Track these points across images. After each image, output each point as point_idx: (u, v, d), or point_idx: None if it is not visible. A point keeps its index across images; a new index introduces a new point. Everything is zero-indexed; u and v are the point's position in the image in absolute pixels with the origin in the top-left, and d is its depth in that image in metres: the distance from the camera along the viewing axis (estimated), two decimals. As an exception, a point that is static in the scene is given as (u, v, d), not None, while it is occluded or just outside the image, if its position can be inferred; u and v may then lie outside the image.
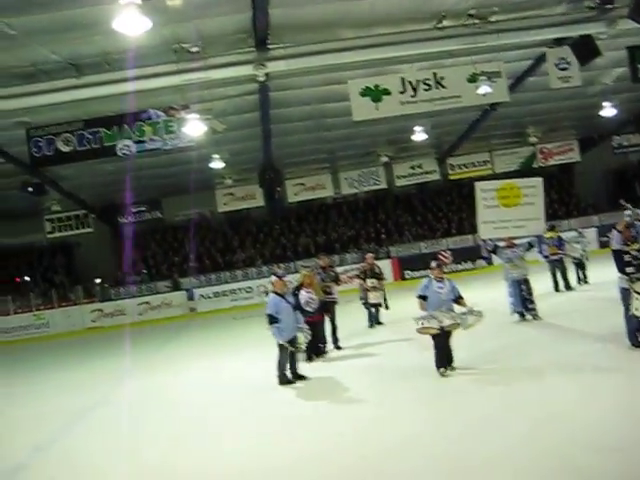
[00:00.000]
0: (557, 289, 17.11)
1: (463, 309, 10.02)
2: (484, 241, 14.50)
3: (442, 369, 10.06)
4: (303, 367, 11.39)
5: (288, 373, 10.87)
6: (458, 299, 10.18)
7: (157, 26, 12.44)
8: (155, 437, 8.77)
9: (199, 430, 8.87)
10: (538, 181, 14.33)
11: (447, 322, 9.91)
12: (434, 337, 10.03)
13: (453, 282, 10.35)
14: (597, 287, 16.29)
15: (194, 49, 14.96)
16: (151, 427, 9.35)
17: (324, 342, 13.11)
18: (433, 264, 10.61)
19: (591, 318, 12.56)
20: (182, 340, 20.13)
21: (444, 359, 10.10)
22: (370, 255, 16.85)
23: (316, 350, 12.67)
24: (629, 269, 9.69)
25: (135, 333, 21.98)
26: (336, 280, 14.12)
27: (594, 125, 30.30)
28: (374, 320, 15.91)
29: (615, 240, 9.80)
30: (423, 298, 10.24)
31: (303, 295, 12.19)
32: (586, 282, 17.75)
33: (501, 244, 14.36)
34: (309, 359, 12.37)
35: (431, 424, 7.72)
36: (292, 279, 13.87)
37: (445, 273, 10.61)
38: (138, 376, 13.69)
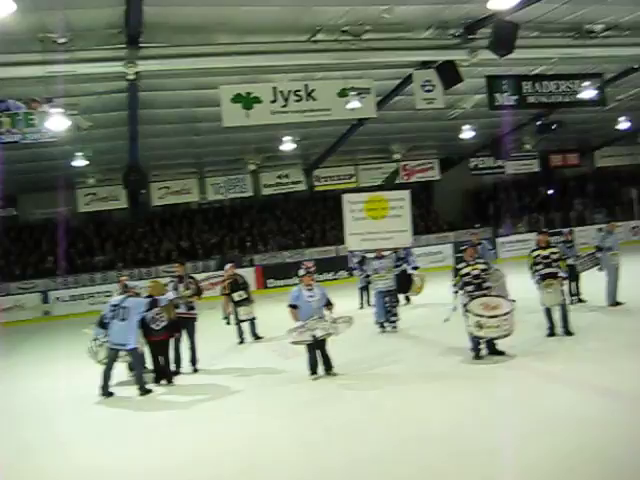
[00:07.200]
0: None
1: (333, 316, 10.27)
2: (351, 252, 14.84)
3: (314, 375, 10.27)
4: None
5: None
6: (327, 305, 10.42)
7: (22, 11, 11.80)
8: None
9: (46, 441, 8.54)
10: (405, 194, 14.89)
11: (320, 332, 10.13)
12: (307, 345, 10.24)
13: (323, 289, 10.57)
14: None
15: (61, 40, 14.25)
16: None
17: (176, 363, 12.12)
18: (302, 272, 10.81)
19: (442, 330, 13.03)
20: (34, 345, 19.11)
21: (316, 366, 10.30)
22: (230, 265, 15.71)
23: (163, 372, 11.50)
24: (468, 288, 10.49)
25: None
26: (197, 293, 12.81)
27: (454, 146, 31.99)
28: (252, 335, 15.03)
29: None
30: (294, 307, 10.40)
31: (152, 310, 11.07)
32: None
33: (369, 255, 14.79)
34: (156, 381, 11.39)
35: (294, 432, 7.85)
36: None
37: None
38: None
